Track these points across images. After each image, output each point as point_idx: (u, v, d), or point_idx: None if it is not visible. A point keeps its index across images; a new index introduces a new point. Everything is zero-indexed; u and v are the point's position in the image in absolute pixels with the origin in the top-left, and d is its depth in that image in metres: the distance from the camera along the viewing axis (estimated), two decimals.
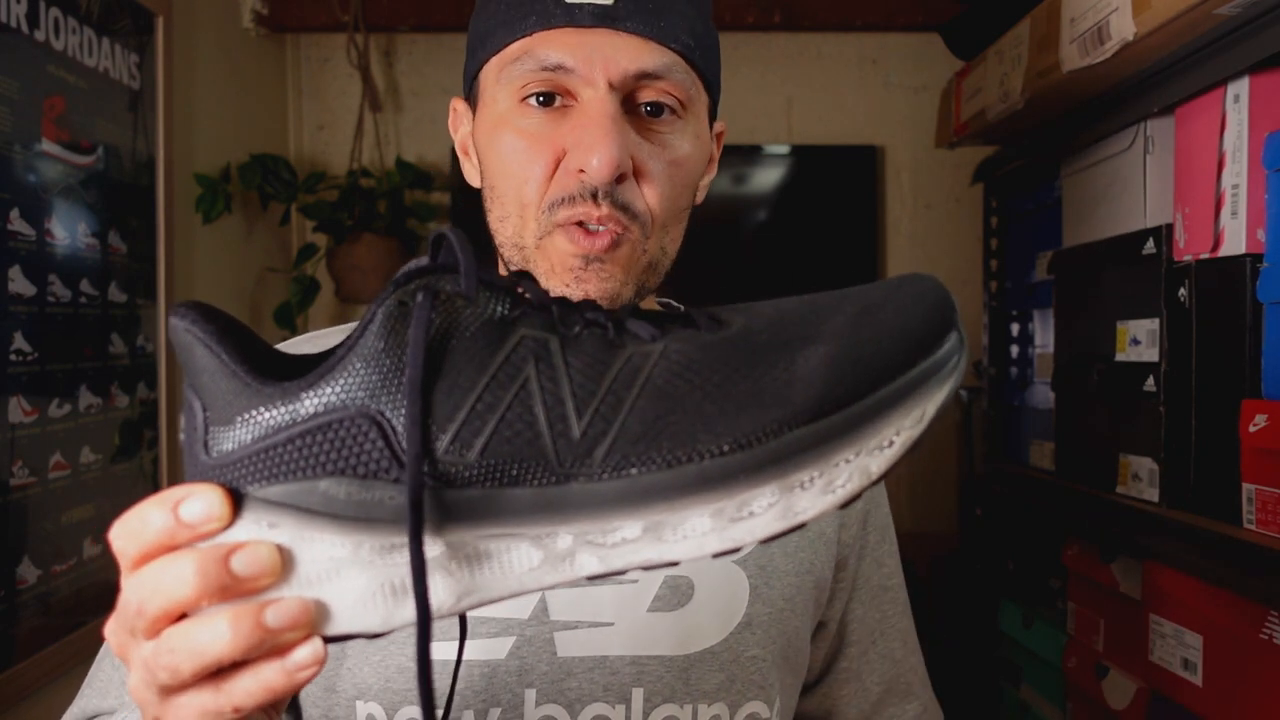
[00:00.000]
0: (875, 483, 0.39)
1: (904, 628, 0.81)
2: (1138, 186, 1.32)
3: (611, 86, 0.62)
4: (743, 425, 0.38)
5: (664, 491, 0.38)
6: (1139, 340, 1.30)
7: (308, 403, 0.38)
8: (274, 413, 0.38)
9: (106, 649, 0.68)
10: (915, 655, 0.83)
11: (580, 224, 0.63)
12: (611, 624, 0.66)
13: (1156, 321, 1.25)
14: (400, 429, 0.38)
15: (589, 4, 0.62)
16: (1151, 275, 1.26)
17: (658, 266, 0.68)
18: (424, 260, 0.41)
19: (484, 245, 0.70)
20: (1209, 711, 1.20)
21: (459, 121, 0.74)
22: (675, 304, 0.81)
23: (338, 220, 2.12)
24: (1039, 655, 1.67)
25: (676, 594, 0.67)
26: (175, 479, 1.64)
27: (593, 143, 0.61)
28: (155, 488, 1.62)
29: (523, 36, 0.64)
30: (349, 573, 0.38)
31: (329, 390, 0.38)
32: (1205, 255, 1.17)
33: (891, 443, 0.38)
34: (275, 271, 2.20)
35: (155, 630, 0.39)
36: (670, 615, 0.67)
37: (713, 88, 0.70)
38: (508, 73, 0.65)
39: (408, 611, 0.38)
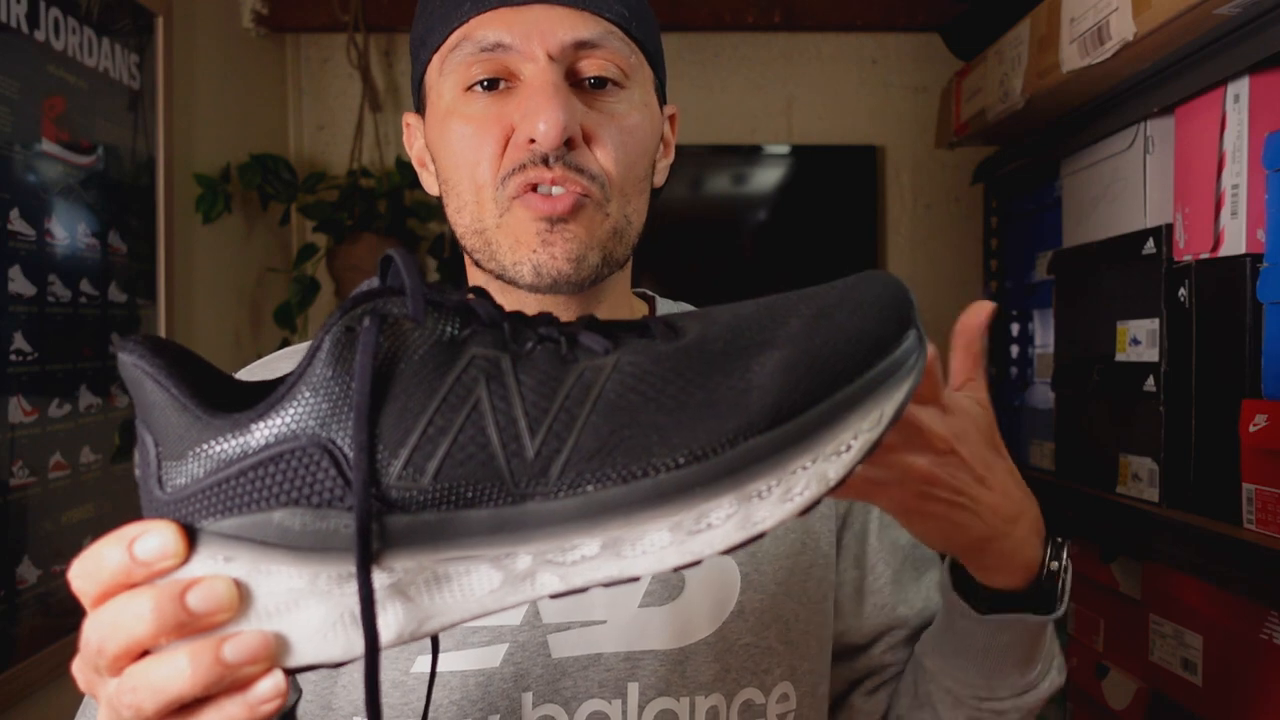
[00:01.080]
0: (834, 488, 0.39)
1: (908, 539, 0.81)
2: (1138, 186, 1.32)
3: (551, 58, 0.63)
4: (698, 437, 0.38)
5: (621, 507, 0.37)
6: (1139, 340, 1.30)
7: (258, 434, 0.38)
8: (225, 445, 0.38)
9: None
10: (923, 548, 0.82)
11: (534, 189, 0.63)
12: (604, 622, 0.66)
13: (1156, 321, 1.25)
14: (352, 456, 0.37)
15: None
16: (1151, 275, 1.26)
17: (623, 234, 0.67)
18: (373, 281, 0.40)
19: (457, 243, 0.70)
20: (1209, 711, 1.20)
21: (413, 136, 0.74)
22: (649, 293, 0.80)
23: (338, 220, 2.12)
24: None
25: (667, 588, 0.67)
26: None
27: (539, 109, 0.61)
28: None
29: (460, 25, 0.65)
30: (308, 603, 0.38)
31: (279, 420, 0.38)
32: (1205, 255, 1.17)
33: (849, 446, 0.38)
34: (275, 271, 2.20)
35: (117, 668, 0.39)
36: (662, 609, 0.67)
37: (655, 64, 0.71)
38: (449, 62, 0.65)
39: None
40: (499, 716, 0.63)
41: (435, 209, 2.27)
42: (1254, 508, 1.07)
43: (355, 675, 0.65)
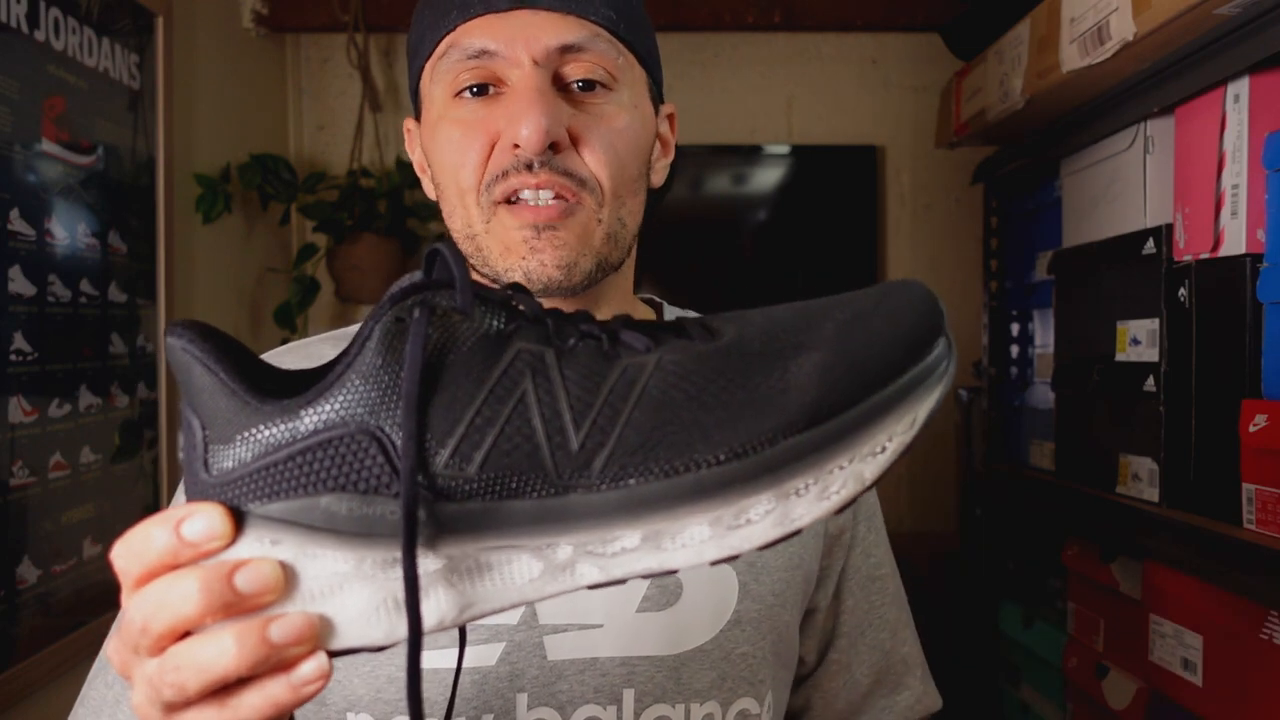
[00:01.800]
0: (869, 488, 0.39)
1: (894, 618, 0.81)
2: (1138, 186, 1.32)
3: (536, 63, 0.63)
4: (738, 434, 0.38)
5: (662, 501, 0.38)
6: (1139, 340, 1.30)
7: (307, 420, 0.38)
8: (274, 430, 0.38)
9: (99, 668, 0.67)
10: (909, 644, 0.82)
11: (518, 195, 0.64)
12: (600, 625, 0.66)
13: (1156, 321, 1.25)
14: (399, 445, 0.38)
15: None
16: (1151, 275, 1.26)
17: (617, 239, 0.67)
18: (418, 275, 0.41)
19: None
20: (1209, 711, 1.20)
21: (413, 142, 0.75)
22: (656, 299, 0.80)
23: (338, 220, 2.12)
24: (1039, 655, 1.67)
25: (665, 594, 0.67)
26: (175, 479, 1.64)
27: (520, 114, 0.62)
28: (155, 487, 1.62)
29: (448, 33, 0.66)
30: (352, 587, 0.38)
31: (328, 407, 0.38)
32: (1205, 255, 1.17)
33: (884, 448, 0.39)
34: (275, 271, 2.20)
35: (160, 648, 0.39)
36: (659, 615, 0.67)
37: (648, 64, 0.70)
38: (438, 70, 0.66)
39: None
40: (492, 716, 0.63)
41: (435, 209, 2.27)
42: (1254, 508, 1.07)
43: (348, 670, 0.65)
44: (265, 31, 2.16)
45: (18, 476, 1.27)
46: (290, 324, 2.07)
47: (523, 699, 0.64)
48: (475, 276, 0.71)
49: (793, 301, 0.44)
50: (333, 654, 0.39)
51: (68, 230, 1.39)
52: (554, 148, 0.63)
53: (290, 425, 0.38)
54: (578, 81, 0.65)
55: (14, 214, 1.27)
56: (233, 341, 0.41)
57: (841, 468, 0.39)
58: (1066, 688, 1.57)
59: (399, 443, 0.38)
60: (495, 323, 0.40)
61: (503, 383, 0.39)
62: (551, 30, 0.64)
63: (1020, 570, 1.84)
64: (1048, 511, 1.63)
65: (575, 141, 0.64)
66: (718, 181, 2.36)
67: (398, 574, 0.38)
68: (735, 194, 2.36)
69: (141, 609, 0.39)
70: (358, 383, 0.38)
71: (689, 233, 2.34)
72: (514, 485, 0.38)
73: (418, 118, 0.73)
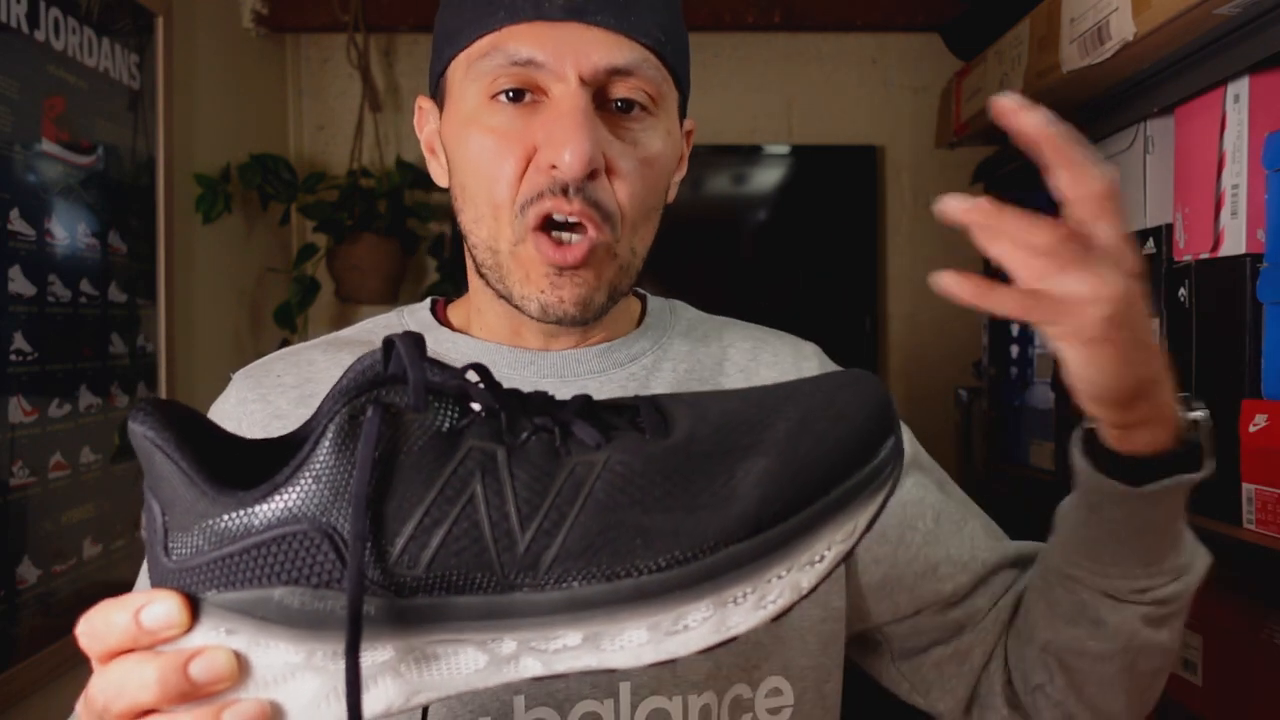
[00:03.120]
0: (804, 597, 0.40)
1: (937, 502, 0.80)
2: (1138, 186, 1.32)
3: (583, 81, 0.62)
4: (679, 541, 0.39)
5: (603, 604, 0.39)
6: None
7: (261, 514, 0.39)
8: (229, 522, 0.39)
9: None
10: (961, 519, 0.80)
11: (550, 224, 0.63)
12: None
13: (1156, 321, 1.25)
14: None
15: None
16: (1151, 275, 1.26)
17: (628, 268, 0.67)
18: (372, 361, 0.41)
19: (457, 243, 0.70)
20: (1209, 711, 1.20)
21: (425, 120, 0.73)
22: (641, 291, 0.81)
23: (338, 220, 2.12)
24: None
25: None
26: None
27: (565, 138, 0.60)
28: None
29: (491, 31, 0.63)
30: (303, 677, 0.40)
31: (282, 502, 0.39)
32: (1205, 255, 1.17)
33: (823, 557, 0.40)
34: (275, 271, 2.20)
35: None
36: None
37: (682, 84, 0.70)
38: (476, 69, 0.64)
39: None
40: (489, 718, 0.63)
41: (435, 209, 2.27)
42: (1254, 508, 1.07)
43: None
44: (265, 31, 2.16)
45: (18, 476, 1.27)
46: (290, 324, 2.07)
47: (519, 700, 0.63)
48: (479, 281, 0.70)
49: (755, 388, 0.45)
50: None
51: (68, 230, 1.39)
52: (591, 175, 0.62)
53: (245, 519, 0.39)
54: (618, 101, 0.64)
55: (14, 214, 1.27)
56: (196, 419, 0.42)
57: (780, 576, 0.39)
58: None
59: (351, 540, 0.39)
60: (448, 420, 0.41)
61: (452, 483, 0.40)
62: (603, 50, 0.62)
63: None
64: (1048, 511, 1.62)
65: (609, 170, 0.63)
66: (718, 181, 2.36)
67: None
68: (735, 194, 2.36)
69: (104, 690, 0.40)
70: (309, 482, 0.39)
71: (689, 233, 2.34)
72: (461, 582, 0.39)
73: (434, 98, 0.71)
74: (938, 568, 0.75)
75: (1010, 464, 1.80)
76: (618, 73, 0.63)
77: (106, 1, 1.48)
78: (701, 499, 0.40)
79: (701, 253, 2.36)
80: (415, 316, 0.75)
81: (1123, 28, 1.16)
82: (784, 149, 2.36)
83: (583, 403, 0.43)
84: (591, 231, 0.63)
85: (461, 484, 0.40)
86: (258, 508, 0.39)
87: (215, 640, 0.40)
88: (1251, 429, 1.05)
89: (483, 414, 0.42)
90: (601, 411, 0.43)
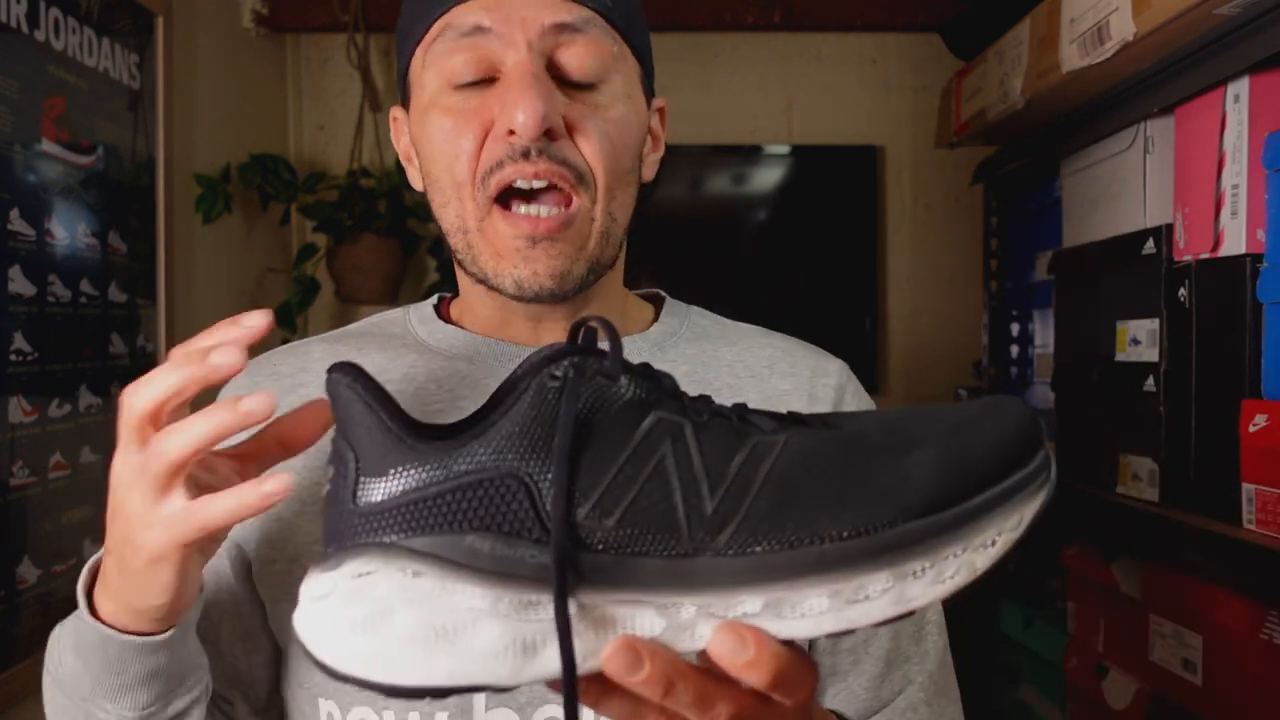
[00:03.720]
0: (978, 578, 0.42)
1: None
2: (1138, 186, 1.32)
3: (530, 46, 0.62)
4: (860, 515, 0.41)
5: (786, 570, 0.41)
6: (1139, 340, 1.30)
7: (461, 461, 0.41)
8: (427, 468, 0.41)
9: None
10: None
11: (515, 193, 0.62)
12: None
13: (1156, 321, 1.25)
14: (546, 492, 0.41)
15: None
16: (1151, 275, 1.26)
17: (610, 236, 0.66)
18: (560, 344, 0.44)
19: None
20: (1209, 711, 1.20)
21: (399, 131, 0.74)
22: (661, 293, 0.80)
23: (338, 220, 2.12)
24: (1039, 655, 1.67)
25: None
26: None
27: (516, 99, 0.60)
28: None
29: (441, 14, 0.64)
30: (486, 625, 0.40)
31: (481, 451, 0.41)
32: (1205, 255, 1.17)
33: (994, 542, 0.42)
34: (275, 271, 2.20)
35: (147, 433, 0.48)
36: None
37: (641, 56, 0.69)
38: (431, 52, 0.65)
39: (535, 668, 0.41)
40: (447, 714, 0.62)
41: None
42: (1254, 508, 1.07)
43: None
44: (265, 31, 2.16)
45: (18, 476, 1.27)
46: (290, 324, 2.07)
47: (479, 699, 0.63)
48: (464, 278, 0.70)
49: (900, 407, 0.47)
50: (457, 691, 0.41)
51: (68, 230, 1.39)
52: (549, 135, 0.61)
53: (443, 464, 0.41)
54: (572, 82, 0.64)
55: (14, 214, 1.27)
56: (385, 390, 0.44)
57: (956, 555, 0.41)
58: (1066, 688, 1.57)
59: (545, 490, 0.41)
60: (639, 391, 0.43)
61: (644, 446, 0.42)
62: (548, 9, 0.63)
63: (1020, 570, 1.84)
64: (1048, 511, 1.62)
65: (570, 130, 0.63)
66: (718, 181, 2.36)
67: (530, 616, 0.40)
68: (735, 194, 2.36)
69: (161, 440, 0.47)
70: (513, 430, 0.41)
71: (689, 233, 2.34)
72: (647, 542, 0.41)
73: (405, 105, 0.72)
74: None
75: None
76: (565, 29, 0.63)
77: (106, 1, 1.48)
78: (879, 479, 0.42)
79: (701, 253, 2.36)
80: (419, 311, 0.75)
81: (1123, 28, 1.16)
82: (784, 149, 2.36)
83: (744, 406, 0.45)
84: (564, 195, 0.63)
85: (652, 448, 0.42)
86: (457, 454, 0.41)
87: (401, 582, 0.40)
88: (1251, 429, 1.05)
89: (669, 392, 0.44)
90: (767, 412, 0.45)
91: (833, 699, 0.71)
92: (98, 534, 1.45)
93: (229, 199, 1.89)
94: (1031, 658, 1.70)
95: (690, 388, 0.70)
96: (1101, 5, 1.21)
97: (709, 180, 2.35)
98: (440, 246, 2.27)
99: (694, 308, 0.80)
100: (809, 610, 0.41)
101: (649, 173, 0.72)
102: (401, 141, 0.74)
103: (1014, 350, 1.86)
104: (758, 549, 0.40)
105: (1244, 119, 1.11)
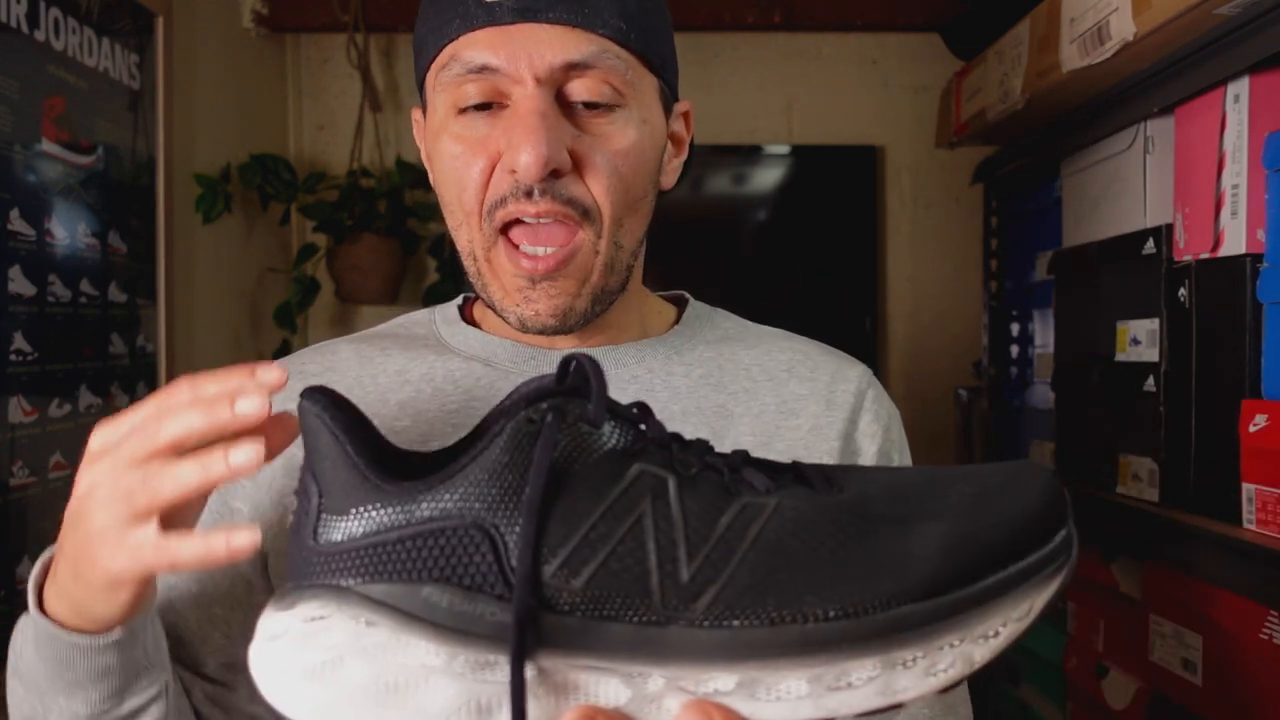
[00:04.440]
0: (974, 673, 0.38)
1: None
2: (1138, 186, 1.32)
3: (539, 81, 0.61)
4: (852, 593, 0.37)
5: (764, 649, 0.37)
6: (1139, 340, 1.30)
7: (424, 506, 0.38)
8: (389, 511, 0.39)
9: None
10: None
11: (518, 225, 0.62)
12: None
13: (1156, 321, 1.25)
14: (512, 545, 0.38)
15: (508, 1, 0.61)
16: (1151, 275, 1.26)
17: (614, 265, 0.66)
18: (548, 379, 0.41)
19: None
20: (1209, 711, 1.20)
21: (421, 132, 0.73)
22: (686, 294, 0.80)
23: (338, 220, 2.12)
24: (1039, 655, 1.67)
25: None
26: None
27: (521, 140, 0.60)
28: None
29: (449, 41, 0.63)
30: (440, 682, 0.38)
31: (447, 497, 0.38)
32: (1205, 255, 1.17)
33: (997, 633, 0.38)
34: (275, 271, 2.20)
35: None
36: None
37: (662, 69, 0.68)
38: (440, 79, 0.64)
39: None
40: None
41: (435, 209, 2.27)
42: (1254, 508, 1.07)
43: None
44: (265, 31, 2.16)
45: (18, 476, 1.27)
46: (290, 324, 2.07)
47: None
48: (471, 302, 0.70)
49: (919, 466, 0.43)
50: None
51: (68, 230, 1.39)
52: (555, 174, 0.61)
53: (406, 508, 0.38)
54: (582, 102, 0.63)
55: (14, 214, 1.27)
56: (362, 418, 0.41)
57: (952, 645, 0.38)
58: (1066, 688, 1.57)
59: (511, 544, 0.38)
60: (622, 440, 0.40)
61: (622, 501, 0.39)
62: (557, 46, 0.61)
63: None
64: None
65: (578, 164, 0.62)
66: (718, 181, 2.36)
67: (487, 677, 0.38)
68: (735, 194, 2.36)
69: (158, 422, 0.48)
70: (481, 477, 0.38)
71: (689, 233, 2.34)
72: (617, 605, 0.38)
73: (424, 110, 0.72)
74: None
75: None
76: (575, 67, 0.62)
77: (106, 1, 1.48)
78: (877, 554, 0.38)
79: (701, 253, 2.36)
80: (444, 312, 0.76)
81: (1123, 28, 1.16)
82: (784, 149, 2.36)
83: (744, 454, 0.42)
84: (565, 235, 0.62)
85: (631, 504, 0.39)
86: (421, 498, 0.39)
87: (354, 631, 0.38)
88: (1251, 429, 1.05)
89: (655, 442, 0.41)
90: (765, 463, 0.42)
91: None
92: None
93: (229, 199, 1.89)
94: (1031, 658, 1.70)
95: (706, 390, 0.70)
96: (1101, 5, 1.21)
97: (709, 180, 2.35)
98: (440, 246, 2.27)
99: (719, 310, 0.79)
100: (785, 694, 0.37)
101: (669, 180, 0.72)
102: (423, 144, 0.73)
103: (1014, 350, 1.85)
104: (735, 622, 0.37)
105: (1244, 119, 1.11)
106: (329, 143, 2.35)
